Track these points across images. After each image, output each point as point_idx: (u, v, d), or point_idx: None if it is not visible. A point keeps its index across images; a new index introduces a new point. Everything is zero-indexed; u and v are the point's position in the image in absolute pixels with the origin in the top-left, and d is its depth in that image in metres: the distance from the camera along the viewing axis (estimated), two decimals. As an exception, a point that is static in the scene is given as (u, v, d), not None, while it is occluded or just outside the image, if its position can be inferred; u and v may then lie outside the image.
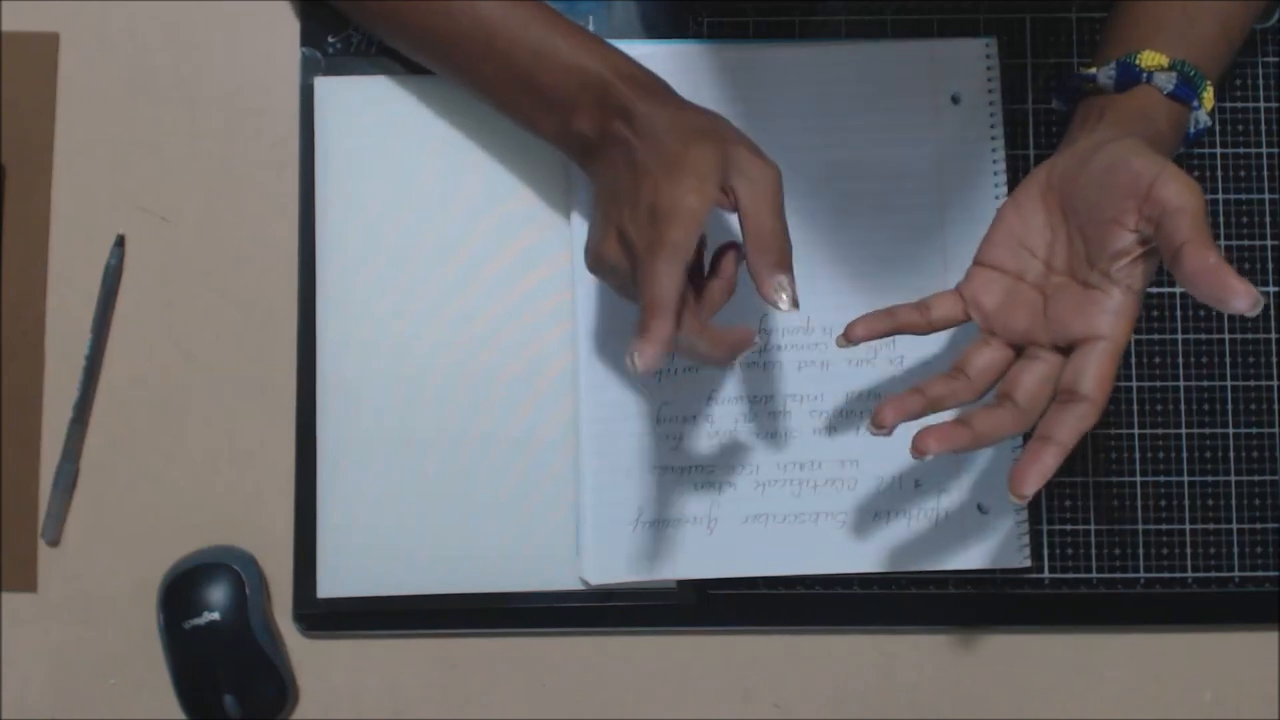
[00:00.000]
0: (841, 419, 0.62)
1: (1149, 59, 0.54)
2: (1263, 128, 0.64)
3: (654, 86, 0.55)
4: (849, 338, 0.53)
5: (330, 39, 0.64)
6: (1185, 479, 0.63)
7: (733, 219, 0.52)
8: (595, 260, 0.54)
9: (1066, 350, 0.50)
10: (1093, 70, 0.56)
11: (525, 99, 0.57)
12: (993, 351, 0.53)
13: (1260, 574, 0.63)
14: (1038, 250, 0.52)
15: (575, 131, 0.55)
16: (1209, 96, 0.55)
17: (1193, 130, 0.56)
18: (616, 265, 0.52)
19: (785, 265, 0.50)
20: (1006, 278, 0.53)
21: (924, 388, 0.52)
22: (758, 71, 0.63)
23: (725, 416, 0.62)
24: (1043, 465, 0.48)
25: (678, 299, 0.48)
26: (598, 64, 0.55)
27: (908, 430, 0.62)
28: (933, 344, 0.61)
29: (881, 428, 0.51)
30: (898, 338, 0.62)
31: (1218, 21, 0.56)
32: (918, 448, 0.50)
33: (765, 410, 0.62)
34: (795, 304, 0.50)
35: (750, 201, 0.50)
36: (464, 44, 0.57)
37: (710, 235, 0.54)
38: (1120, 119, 0.54)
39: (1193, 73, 0.54)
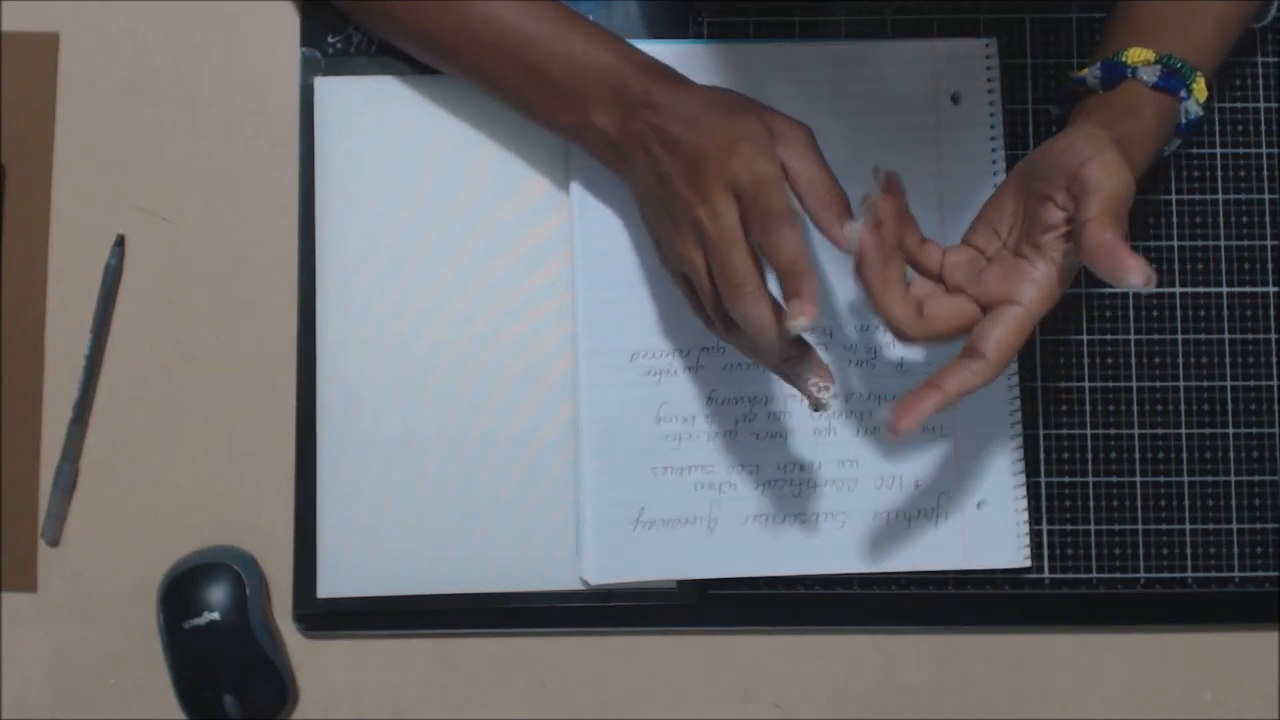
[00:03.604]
0: (841, 419, 0.62)
1: (1135, 54, 0.55)
2: (1262, 128, 0.64)
3: (670, 74, 0.55)
4: (879, 181, 0.53)
5: (330, 39, 0.64)
6: (1185, 479, 0.63)
7: None
8: (668, 257, 0.55)
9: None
10: (1083, 73, 0.57)
11: (540, 96, 0.57)
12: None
13: (1260, 574, 0.63)
14: (1002, 232, 0.53)
15: (596, 128, 0.56)
16: (1200, 87, 0.56)
17: (1184, 121, 0.57)
18: (689, 258, 0.53)
19: (847, 212, 0.52)
20: (974, 252, 0.54)
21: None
22: (758, 71, 0.63)
23: (725, 416, 0.62)
24: (921, 408, 0.50)
25: (810, 259, 0.49)
26: (612, 57, 0.55)
27: (911, 435, 0.62)
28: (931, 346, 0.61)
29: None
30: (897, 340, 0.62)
31: (1213, 20, 0.57)
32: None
33: (765, 410, 0.62)
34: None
35: (797, 163, 0.52)
36: (475, 44, 0.57)
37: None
38: (1105, 115, 0.54)
39: (1179, 64, 0.55)
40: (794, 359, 0.51)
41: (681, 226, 0.53)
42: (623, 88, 0.55)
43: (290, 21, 0.65)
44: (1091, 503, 0.63)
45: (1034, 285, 0.51)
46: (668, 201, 0.54)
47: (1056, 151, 0.51)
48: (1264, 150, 0.64)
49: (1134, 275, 0.46)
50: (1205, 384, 0.64)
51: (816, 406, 0.51)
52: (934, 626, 0.63)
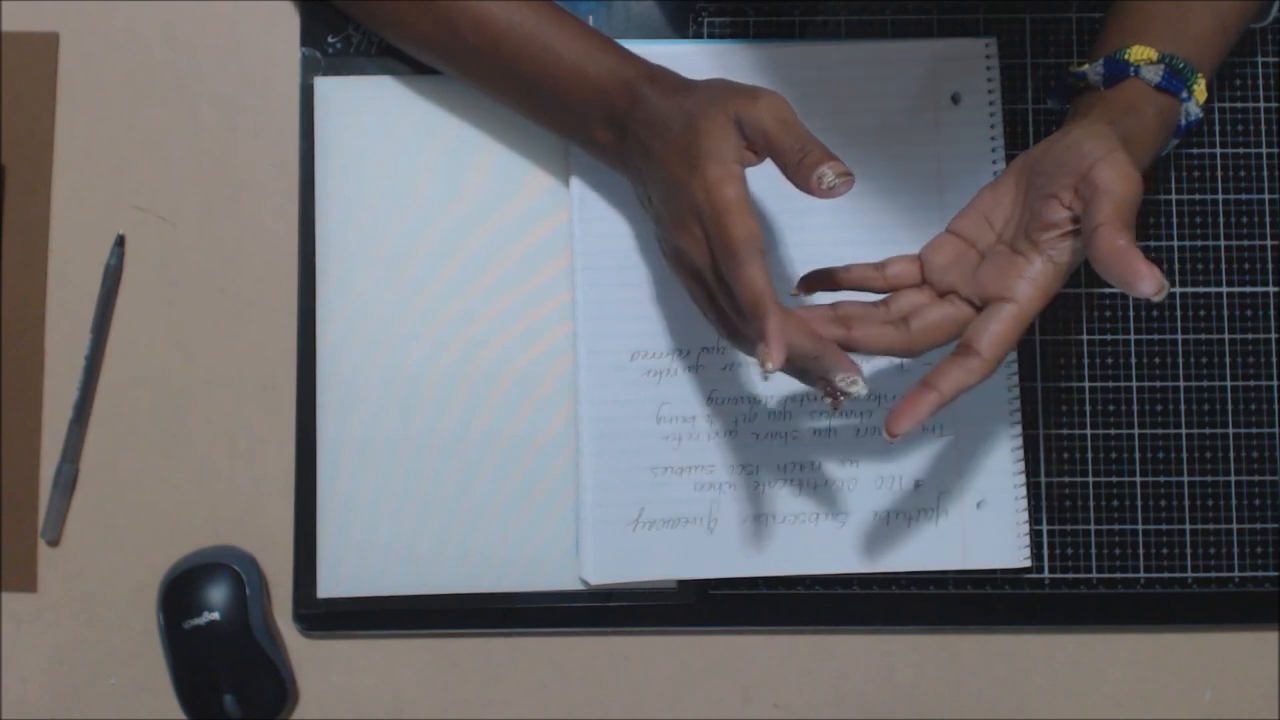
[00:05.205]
0: (841, 419, 0.62)
1: (1138, 53, 0.55)
2: (1262, 128, 0.64)
3: (662, 78, 0.55)
4: (801, 287, 0.55)
5: (330, 39, 0.64)
6: (1185, 479, 0.63)
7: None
8: (674, 256, 0.55)
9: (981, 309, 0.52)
10: (1084, 68, 0.57)
11: (538, 109, 0.58)
12: (916, 284, 0.54)
13: (1260, 574, 0.63)
14: (997, 224, 0.53)
15: (598, 142, 0.57)
16: (1200, 88, 0.56)
17: (1184, 122, 0.57)
18: (683, 275, 0.54)
19: (822, 160, 0.48)
20: (962, 243, 0.54)
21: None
22: (758, 71, 0.63)
23: (725, 416, 0.62)
24: (918, 410, 0.50)
25: (771, 289, 0.48)
26: (602, 70, 0.55)
27: (914, 435, 0.62)
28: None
29: (801, 293, 0.55)
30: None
31: (1212, 17, 0.57)
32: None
33: (765, 410, 0.62)
34: (848, 175, 0.48)
35: (766, 137, 0.50)
36: (471, 55, 0.57)
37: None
38: (1106, 112, 0.54)
39: (1182, 65, 0.55)
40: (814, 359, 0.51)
41: (681, 229, 0.53)
42: (612, 105, 0.55)
43: (290, 21, 0.65)
44: (1091, 503, 0.63)
45: (1029, 283, 0.50)
46: (657, 218, 0.54)
47: (1061, 149, 0.50)
48: (1264, 150, 0.64)
49: (1147, 283, 0.46)
50: (1205, 384, 0.64)
51: (837, 405, 0.51)
52: (934, 626, 0.63)
